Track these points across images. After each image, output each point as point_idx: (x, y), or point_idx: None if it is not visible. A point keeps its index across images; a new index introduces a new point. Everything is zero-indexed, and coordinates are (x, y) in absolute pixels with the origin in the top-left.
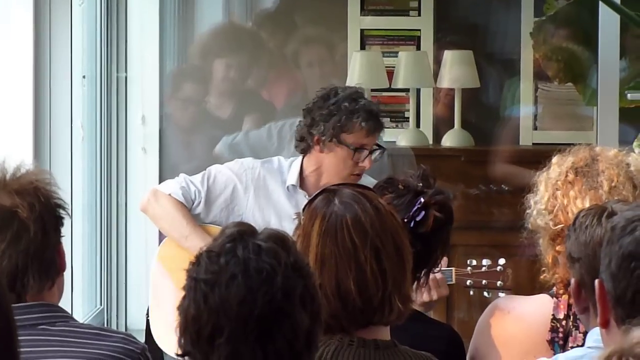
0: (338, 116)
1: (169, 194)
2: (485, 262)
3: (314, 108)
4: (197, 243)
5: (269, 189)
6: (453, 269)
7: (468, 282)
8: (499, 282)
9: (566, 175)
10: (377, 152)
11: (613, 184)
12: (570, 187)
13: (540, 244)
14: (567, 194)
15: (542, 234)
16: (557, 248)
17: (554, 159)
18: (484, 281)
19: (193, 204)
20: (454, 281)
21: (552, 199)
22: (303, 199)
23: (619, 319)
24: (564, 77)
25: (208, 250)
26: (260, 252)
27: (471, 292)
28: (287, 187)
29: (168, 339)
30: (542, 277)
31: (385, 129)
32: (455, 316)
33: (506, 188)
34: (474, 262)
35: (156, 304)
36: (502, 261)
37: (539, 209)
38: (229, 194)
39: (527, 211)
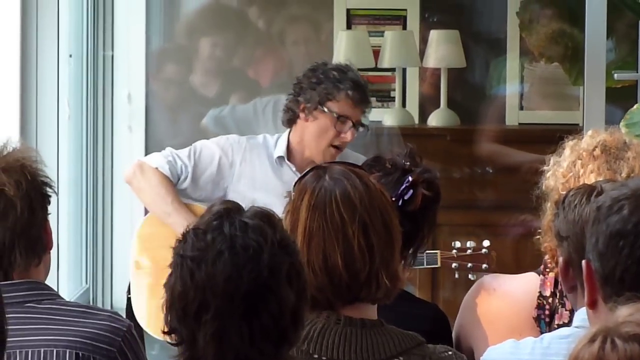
0: (325, 84)
1: (156, 168)
2: (469, 244)
3: (303, 79)
4: (179, 221)
5: (255, 163)
6: (438, 252)
7: (453, 265)
8: (484, 265)
9: (593, 149)
10: (362, 129)
11: (632, 174)
12: (592, 160)
13: (543, 207)
14: (586, 166)
15: (549, 196)
16: None
17: (590, 131)
18: (469, 264)
19: (179, 179)
20: (439, 264)
21: (571, 165)
22: (289, 172)
23: (607, 298)
24: (551, 57)
25: (195, 228)
26: (246, 229)
27: (456, 275)
28: (275, 159)
29: (148, 318)
30: (534, 238)
31: (371, 109)
32: (441, 295)
33: (490, 171)
34: (459, 244)
35: (136, 282)
36: (486, 243)
37: (556, 169)
38: (215, 168)
39: (545, 167)
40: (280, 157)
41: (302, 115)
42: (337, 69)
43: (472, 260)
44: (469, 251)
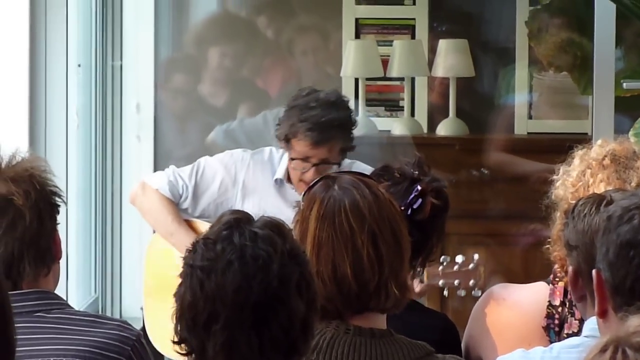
0: (289, 121)
1: (157, 189)
2: (458, 258)
3: (286, 107)
4: (182, 240)
5: (258, 181)
6: (425, 269)
7: (440, 282)
8: (471, 282)
9: (603, 158)
10: (335, 167)
11: None
12: (601, 169)
13: (553, 216)
14: (595, 175)
15: (559, 205)
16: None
17: (599, 141)
18: (456, 281)
19: (181, 198)
20: (425, 282)
21: (581, 174)
22: (291, 192)
23: (617, 308)
24: (560, 66)
25: (204, 238)
26: (256, 239)
27: (445, 293)
28: (275, 179)
29: (163, 339)
30: (544, 247)
31: (380, 118)
32: (450, 305)
33: (486, 172)
34: (448, 259)
35: (149, 303)
36: (476, 257)
37: (565, 179)
38: (216, 187)
39: (555, 177)
40: (279, 180)
41: (280, 143)
42: (302, 106)
43: (459, 277)
44: (456, 267)
